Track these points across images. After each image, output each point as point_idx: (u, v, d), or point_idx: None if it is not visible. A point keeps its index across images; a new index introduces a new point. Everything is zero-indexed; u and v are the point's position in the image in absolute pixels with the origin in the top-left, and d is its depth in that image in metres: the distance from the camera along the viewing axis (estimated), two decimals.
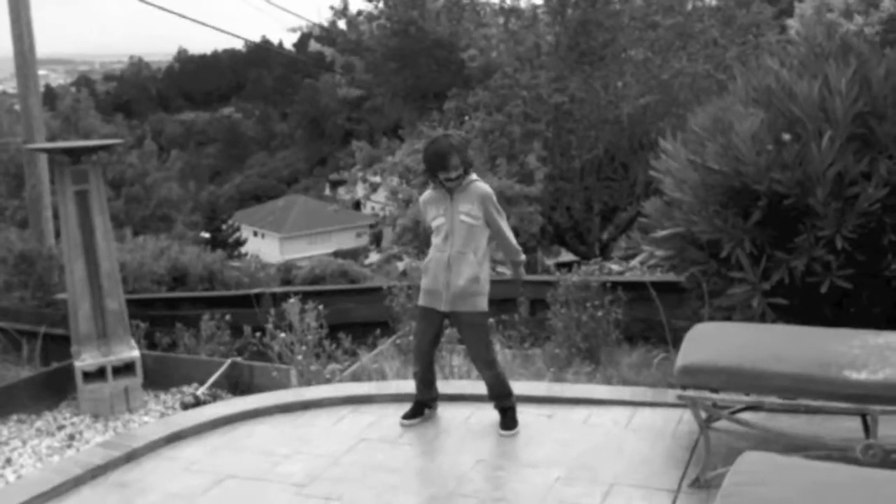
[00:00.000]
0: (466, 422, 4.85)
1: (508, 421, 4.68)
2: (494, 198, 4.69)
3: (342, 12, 22.30)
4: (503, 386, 4.71)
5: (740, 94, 5.57)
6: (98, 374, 6.53)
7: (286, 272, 13.02)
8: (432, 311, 4.67)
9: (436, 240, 4.66)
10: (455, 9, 20.52)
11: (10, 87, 27.36)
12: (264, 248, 48.88)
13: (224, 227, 49.06)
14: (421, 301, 4.76)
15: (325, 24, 22.68)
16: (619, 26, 17.75)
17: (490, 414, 4.80)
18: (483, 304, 4.62)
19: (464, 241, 4.56)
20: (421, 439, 4.71)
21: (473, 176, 4.65)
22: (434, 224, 4.67)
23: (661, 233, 5.64)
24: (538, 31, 18.55)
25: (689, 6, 18.10)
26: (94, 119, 27.08)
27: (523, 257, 4.89)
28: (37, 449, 5.89)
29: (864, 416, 3.82)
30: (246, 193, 71.36)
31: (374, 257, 23.38)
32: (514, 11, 19.19)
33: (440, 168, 4.53)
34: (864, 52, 5.18)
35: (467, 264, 4.54)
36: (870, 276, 4.92)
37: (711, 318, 5.13)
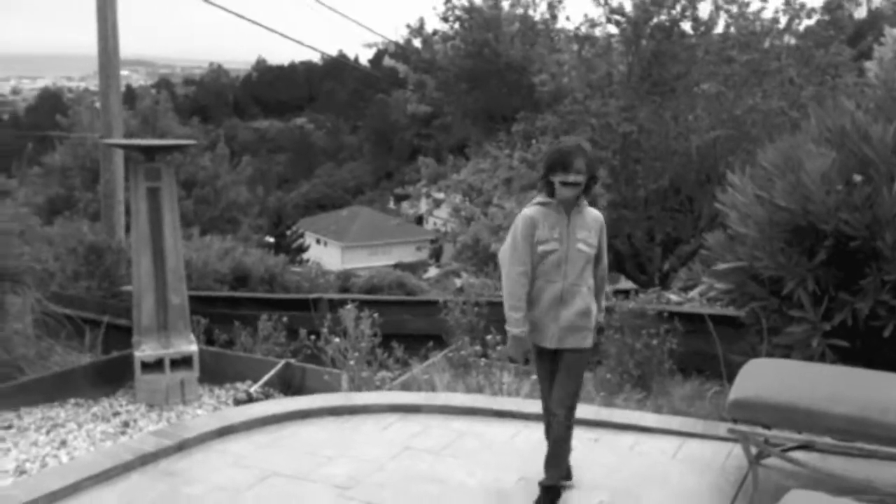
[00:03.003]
0: (512, 439, 4.86)
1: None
2: (605, 228, 4.24)
3: (418, 31, 22.52)
4: (567, 450, 4.14)
5: (813, 132, 5.49)
6: (156, 366, 6.70)
7: (345, 280, 13.15)
8: (544, 353, 4.14)
9: (543, 267, 4.03)
10: (529, 33, 20.58)
11: (93, 84, 28.16)
12: (326, 255, 49.43)
13: (288, 232, 49.75)
14: (533, 339, 4.16)
15: (401, 41, 22.92)
16: (693, 59, 17.57)
17: (536, 432, 4.78)
18: (591, 340, 4.15)
19: (579, 273, 4.04)
20: (465, 453, 4.72)
21: (585, 202, 4.12)
22: (543, 248, 4.01)
23: (722, 266, 5.57)
24: (611, 60, 18.47)
25: (767, 43, 17.84)
26: (171, 121, 27.74)
27: (604, 314, 4.48)
28: (91, 433, 6.06)
29: None
30: (312, 202, 72.35)
31: (432, 272, 23.50)
32: (588, 39, 19.14)
33: (560, 168, 3.94)
34: None
35: (581, 298, 4.04)
36: None
37: (769, 355, 5.05)
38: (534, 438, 4.78)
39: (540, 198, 4.11)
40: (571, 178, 3.94)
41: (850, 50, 18.01)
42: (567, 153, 3.95)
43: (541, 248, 4.01)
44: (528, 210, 4.09)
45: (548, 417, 4.18)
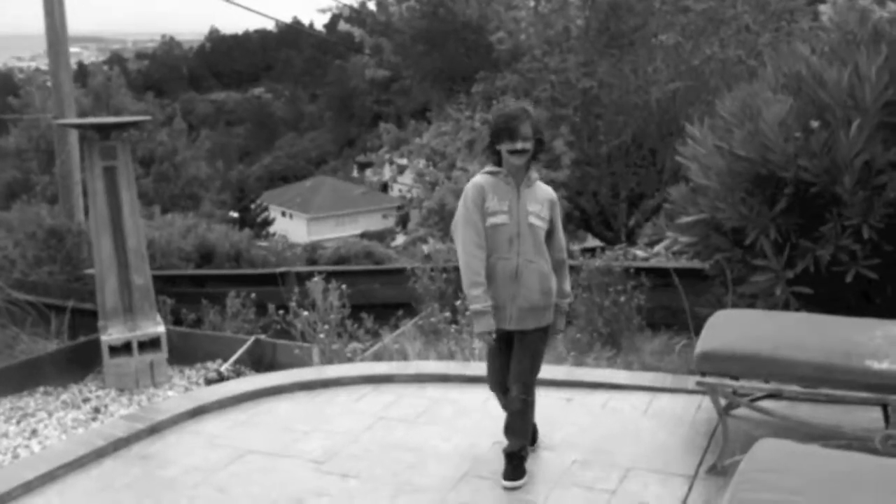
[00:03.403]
0: (485, 404, 4.87)
1: (515, 469, 3.92)
2: (559, 205, 4.03)
3: None
4: (526, 421, 3.98)
5: (770, 80, 5.50)
6: (124, 349, 6.64)
7: (312, 252, 13.06)
8: (500, 333, 3.86)
9: (495, 242, 3.81)
10: None
11: (43, 63, 27.60)
12: (292, 228, 49.19)
13: (252, 206, 49.41)
14: None
15: (356, 4, 22.65)
16: (649, 10, 17.55)
17: None
18: (550, 317, 3.96)
19: (533, 248, 3.81)
20: (439, 420, 4.73)
21: (536, 174, 3.93)
22: (492, 221, 3.79)
23: (685, 219, 5.60)
24: (568, 15, 18.40)
25: None
26: (124, 97, 27.29)
27: (571, 298, 4.20)
28: (62, 421, 6.00)
29: (884, 407, 3.80)
30: (275, 174, 71.76)
31: (400, 239, 23.43)
32: None
33: (507, 135, 3.74)
34: None
35: (538, 275, 3.82)
36: (895, 266, 4.87)
37: (735, 306, 5.11)
38: None
39: (488, 167, 3.92)
40: (519, 145, 3.75)
41: None
42: (511, 118, 3.75)
43: (490, 221, 3.80)
44: (477, 178, 3.89)
45: (496, 393, 4.11)
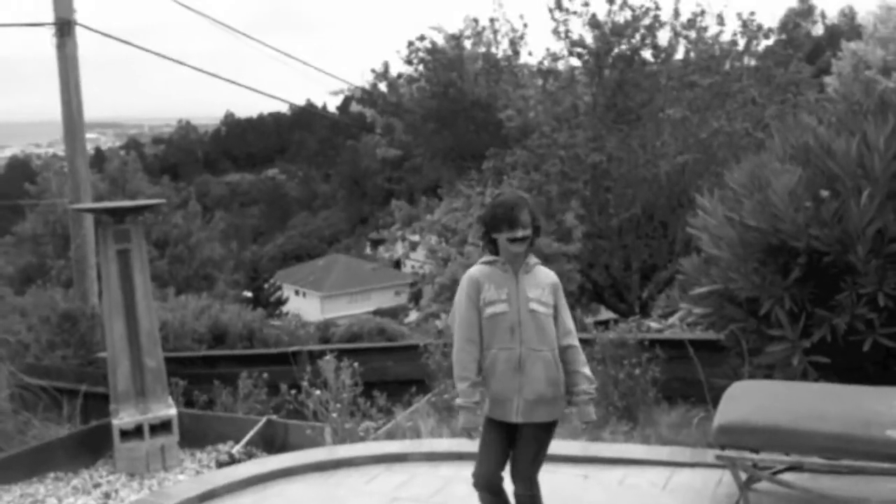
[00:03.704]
0: None
1: None
2: (561, 287, 3.83)
3: (383, 75, 22.69)
4: None
5: (777, 151, 5.53)
6: (135, 432, 6.57)
7: (325, 330, 13.08)
8: (502, 426, 3.68)
9: (495, 333, 3.65)
10: (493, 70, 20.77)
11: (61, 150, 28.21)
12: (305, 306, 49.20)
13: (266, 286, 49.53)
14: (490, 413, 3.71)
15: (367, 86, 23.06)
16: (656, 86, 17.80)
17: None
18: (561, 409, 3.77)
19: (537, 335, 3.62)
20: (453, 500, 4.64)
21: (535, 258, 3.78)
22: (491, 311, 3.64)
23: (698, 290, 5.57)
24: (575, 92, 18.67)
25: (727, 66, 18.11)
26: (140, 181, 27.72)
27: (596, 384, 3.88)
28: None
29: None
30: (288, 253, 72.26)
31: (413, 316, 23.39)
32: (551, 73, 19.35)
33: (506, 224, 3.62)
34: None
35: (544, 364, 3.62)
36: None
37: (751, 377, 5.03)
38: None
39: (484, 257, 3.78)
40: (520, 233, 3.63)
41: (809, 67, 18.31)
42: (510, 207, 3.64)
43: (489, 311, 3.63)
44: (473, 270, 3.76)
45: (483, 493, 3.73)
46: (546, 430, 3.72)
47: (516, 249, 3.67)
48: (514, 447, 3.69)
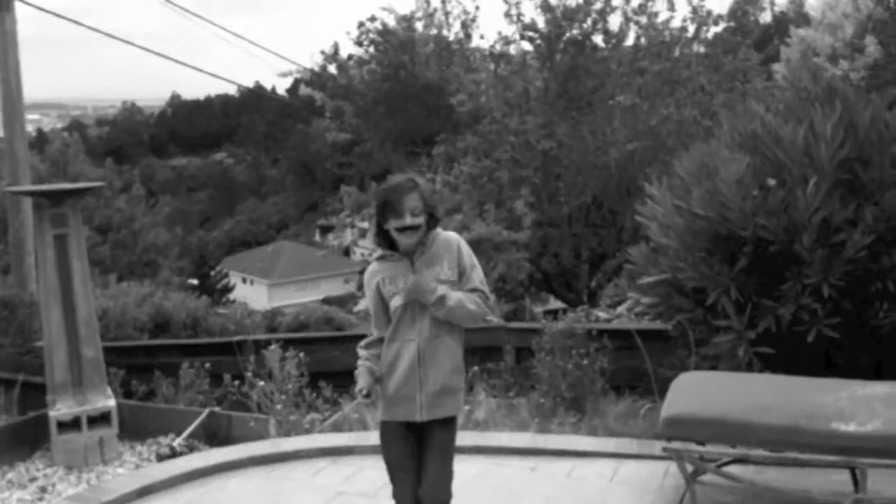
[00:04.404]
0: None
1: None
2: (467, 246, 3.45)
3: (333, 57, 22.45)
4: None
5: (726, 139, 5.53)
6: (73, 424, 6.38)
7: (272, 319, 12.89)
8: (406, 436, 3.36)
9: (399, 325, 3.35)
10: (444, 54, 20.68)
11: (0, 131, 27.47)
12: (253, 294, 48.61)
13: (212, 273, 48.81)
14: (386, 416, 3.42)
15: (316, 68, 22.78)
16: (607, 72, 17.88)
17: (471, 468, 4.66)
18: (461, 404, 3.49)
19: (434, 321, 3.30)
20: None
21: (437, 228, 3.42)
22: (394, 304, 3.35)
23: (647, 279, 5.56)
24: (527, 77, 18.67)
25: (677, 52, 18.26)
26: (83, 163, 27.10)
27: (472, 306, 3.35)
28: (7, 502, 5.74)
29: (852, 470, 3.72)
30: (235, 240, 71.30)
31: (362, 304, 23.28)
32: (503, 57, 19.32)
33: (391, 212, 3.26)
34: (850, 96, 5.15)
35: (445, 351, 3.33)
36: (857, 325, 4.84)
37: (698, 368, 5.04)
38: (467, 475, 4.65)
39: (379, 251, 3.46)
40: (408, 220, 3.25)
41: (757, 54, 18.55)
42: (394, 191, 3.27)
43: (393, 305, 3.35)
44: (371, 267, 3.49)
45: None
46: (449, 432, 3.40)
47: (405, 241, 3.31)
48: (422, 461, 3.36)
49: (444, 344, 3.33)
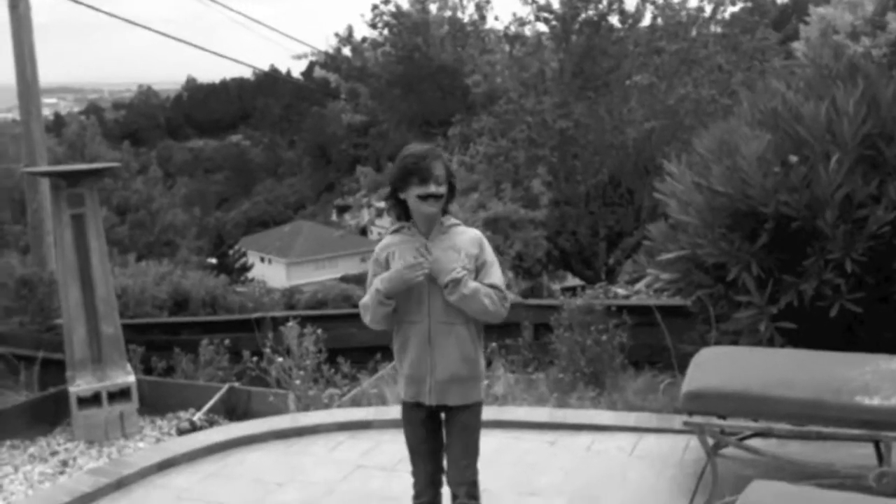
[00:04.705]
0: None
1: None
2: (489, 245, 3.32)
3: (347, 39, 22.40)
4: None
5: (746, 116, 5.48)
6: (93, 400, 6.44)
7: (290, 297, 12.89)
8: (422, 410, 3.28)
9: (405, 304, 3.20)
10: (459, 35, 20.61)
11: (18, 114, 27.65)
12: (271, 273, 48.85)
13: (230, 252, 49.04)
14: (404, 395, 3.34)
15: (331, 51, 22.73)
16: (623, 52, 17.74)
17: (491, 442, 4.65)
18: (479, 393, 3.31)
19: (448, 307, 3.15)
20: None
21: (454, 219, 3.30)
22: None
23: (666, 256, 5.53)
24: (542, 58, 18.56)
25: (694, 32, 18.10)
26: (100, 146, 27.18)
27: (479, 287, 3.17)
28: (29, 475, 5.79)
29: (877, 443, 3.69)
30: (253, 220, 71.57)
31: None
32: (518, 38, 19.22)
33: (416, 178, 3.11)
34: (872, 73, 5.09)
35: (456, 339, 3.18)
36: (880, 299, 4.80)
37: (718, 343, 5.01)
38: (488, 447, 4.65)
39: (394, 225, 3.32)
40: (432, 188, 3.11)
41: (775, 34, 18.36)
42: (422, 158, 3.12)
43: None
44: (385, 239, 3.32)
45: (419, 501, 3.34)
46: (470, 415, 3.28)
47: (428, 209, 3.15)
48: (446, 444, 3.31)
49: (455, 333, 3.18)
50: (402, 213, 3.25)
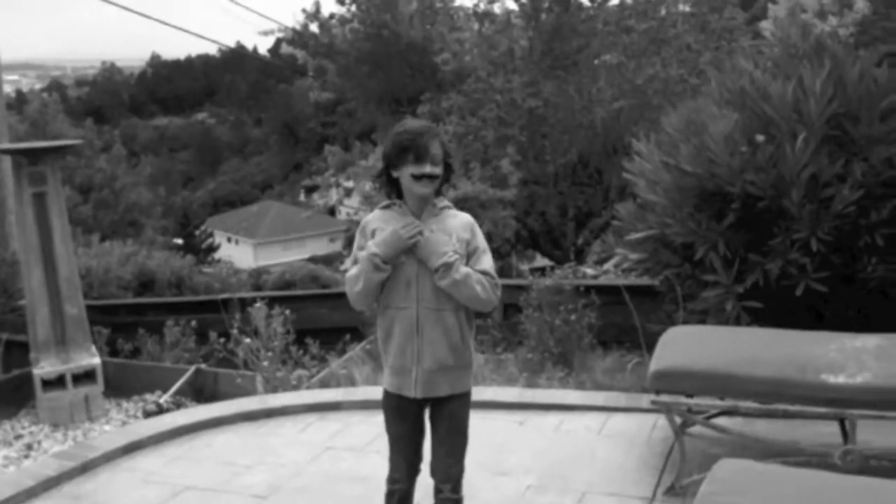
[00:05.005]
0: None
1: None
2: (480, 230, 3.15)
3: (314, 15, 22.18)
4: None
5: (714, 95, 5.49)
6: (57, 382, 6.36)
7: (257, 277, 12.85)
8: (404, 402, 3.10)
9: (391, 288, 3.03)
10: (428, 12, 20.49)
11: None
12: (238, 254, 48.49)
13: (197, 233, 48.56)
14: (385, 384, 3.17)
15: (298, 27, 22.49)
16: (592, 31, 17.74)
17: None
18: (468, 382, 3.15)
19: (437, 292, 2.98)
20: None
21: (446, 202, 3.13)
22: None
23: (634, 235, 5.54)
24: (512, 36, 18.52)
25: (663, 11, 18.13)
26: (62, 123, 26.78)
27: (470, 272, 2.98)
28: None
29: (842, 421, 3.74)
30: (220, 199, 70.87)
31: (348, 263, 23.17)
32: (487, 16, 19.16)
33: (412, 155, 2.95)
34: (839, 53, 5.11)
35: (443, 327, 3.01)
36: (845, 278, 4.85)
37: (686, 322, 5.04)
38: None
39: (383, 202, 3.15)
40: (427, 168, 2.95)
41: (743, 13, 18.44)
42: (420, 135, 2.95)
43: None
44: (369, 216, 3.15)
45: (394, 487, 3.18)
46: (458, 407, 3.12)
47: (422, 190, 3.00)
48: (432, 437, 3.15)
49: (444, 320, 3.00)
50: (394, 191, 3.09)
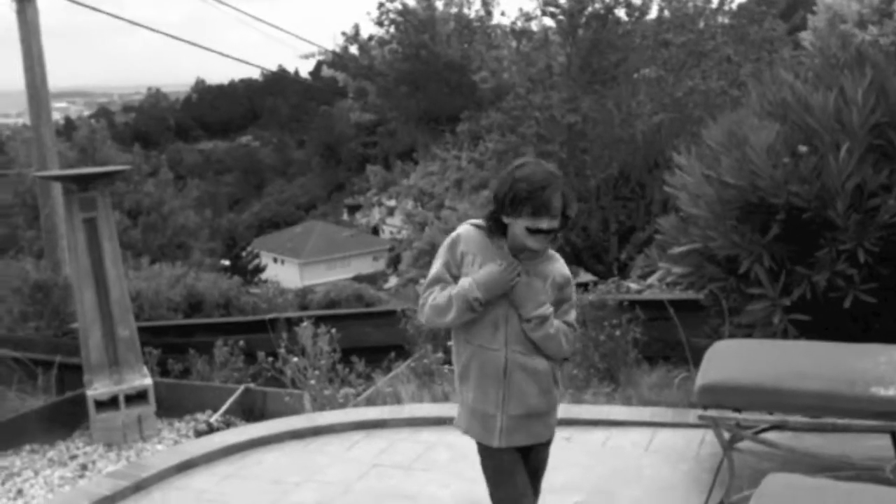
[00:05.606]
0: None
1: None
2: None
3: (354, 38, 22.45)
4: None
5: (755, 107, 5.46)
6: (111, 403, 6.48)
7: (303, 297, 12.97)
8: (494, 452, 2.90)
9: (475, 326, 2.84)
10: (466, 31, 20.63)
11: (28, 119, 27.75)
12: (284, 274, 48.95)
13: (243, 254, 49.17)
14: (466, 428, 2.96)
15: (338, 49, 22.78)
16: (630, 46, 17.72)
17: None
18: (554, 425, 3.01)
19: (525, 336, 2.81)
20: (435, 466, 4.59)
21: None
22: (472, 295, 2.78)
23: (677, 249, 5.52)
24: (550, 52, 18.56)
25: (701, 24, 18.05)
26: (110, 149, 27.32)
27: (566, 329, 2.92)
28: (49, 479, 5.84)
29: (893, 434, 3.69)
30: (265, 221, 71.72)
31: (393, 281, 23.35)
32: (525, 33, 19.22)
33: (530, 208, 2.69)
34: (880, 62, 5.06)
35: (534, 374, 2.83)
36: (894, 289, 4.79)
37: (732, 336, 5.00)
38: None
39: (476, 220, 2.92)
40: (545, 224, 2.70)
41: (783, 24, 18.28)
42: (542, 188, 2.67)
43: (471, 296, 2.77)
44: (461, 231, 2.90)
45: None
46: (546, 453, 3.07)
47: (535, 245, 2.76)
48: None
49: (533, 367, 2.83)
50: (499, 231, 2.83)
